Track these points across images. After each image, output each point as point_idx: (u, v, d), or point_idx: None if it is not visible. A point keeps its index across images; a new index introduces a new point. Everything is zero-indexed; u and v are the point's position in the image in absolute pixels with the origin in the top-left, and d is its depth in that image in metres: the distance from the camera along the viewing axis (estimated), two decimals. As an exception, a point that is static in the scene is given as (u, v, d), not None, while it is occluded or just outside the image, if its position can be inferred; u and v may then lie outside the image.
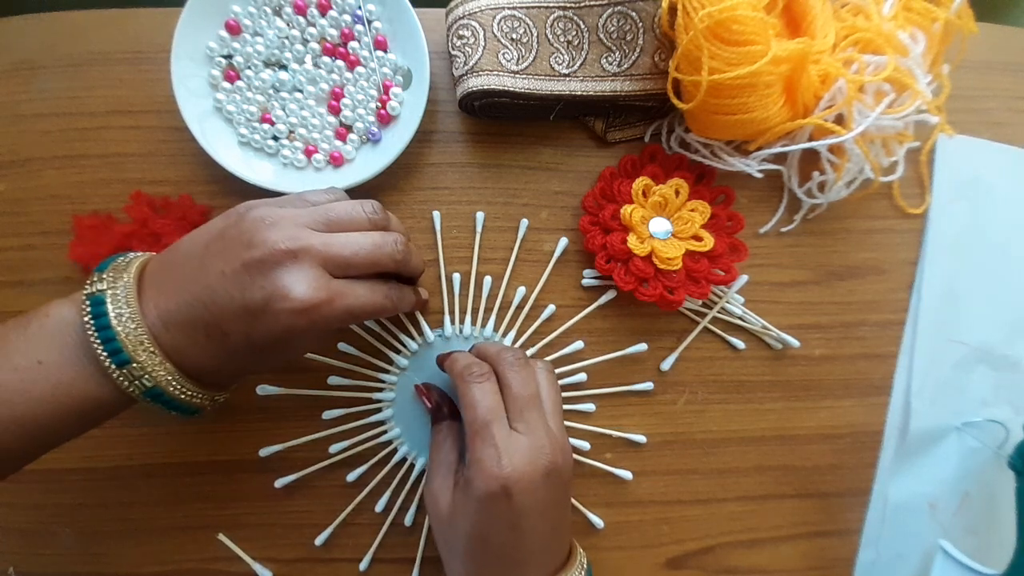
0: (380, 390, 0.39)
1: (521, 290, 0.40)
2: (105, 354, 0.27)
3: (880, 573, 0.41)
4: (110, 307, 0.27)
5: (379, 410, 0.39)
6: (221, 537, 0.39)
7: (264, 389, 0.38)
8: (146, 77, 0.39)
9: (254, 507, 0.39)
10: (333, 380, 0.39)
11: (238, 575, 0.39)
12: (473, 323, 0.40)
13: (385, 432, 0.39)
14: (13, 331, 0.28)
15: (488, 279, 0.39)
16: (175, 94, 0.36)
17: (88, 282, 0.28)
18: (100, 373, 0.27)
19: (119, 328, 0.27)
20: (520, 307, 0.40)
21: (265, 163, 0.38)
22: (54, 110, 0.39)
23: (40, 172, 0.39)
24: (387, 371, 0.39)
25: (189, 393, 0.29)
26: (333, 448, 0.38)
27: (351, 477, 0.38)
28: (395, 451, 0.39)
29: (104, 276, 0.28)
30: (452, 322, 0.39)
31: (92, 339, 0.27)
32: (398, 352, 0.39)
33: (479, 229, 0.39)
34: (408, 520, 0.39)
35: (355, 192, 0.37)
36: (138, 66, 0.39)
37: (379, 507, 0.39)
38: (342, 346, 0.39)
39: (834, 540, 0.42)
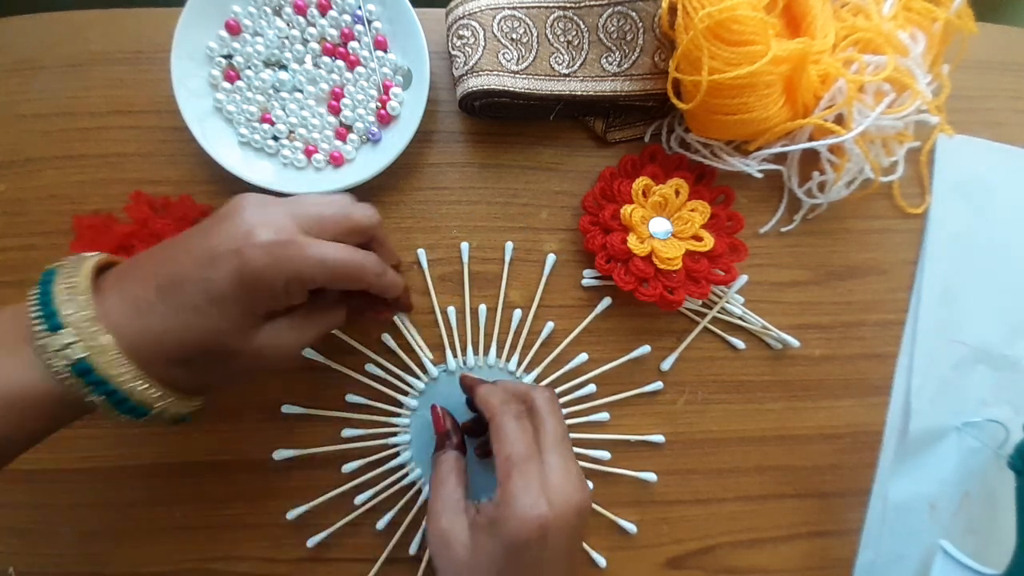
0: (395, 434, 0.39)
1: (518, 313, 0.39)
2: (40, 318, 0.25)
3: (880, 573, 0.41)
4: (59, 277, 0.26)
5: (397, 454, 0.39)
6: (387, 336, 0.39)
7: (280, 454, 0.38)
8: (146, 77, 0.39)
9: (254, 507, 0.39)
10: (347, 432, 0.39)
11: (238, 575, 0.39)
12: (475, 352, 0.39)
13: (407, 475, 0.39)
14: None
15: (483, 308, 0.39)
16: (175, 94, 0.36)
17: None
18: (38, 356, 0.25)
19: (60, 291, 0.25)
20: (519, 330, 0.40)
21: (265, 163, 0.38)
22: (54, 110, 0.39)
23: (40, 172, 0.39)
24: (398, 414, 0.39)
25: (126, 374, 0.25)
26: (359, 499, 0.38)
27: (380, 525, 0.38)
28: (420, 491, 0.39)
29: (68, 257, 0.27)
30: (455, 355, 0.39)
31: (31, 306, 0.25)
32: (406, 394, 0.39)
33: (465, 260, 0.39)
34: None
35: (355, 192, 0.37)
36: (138, 66, 0.39)
37: (412, 549, 0.39)
38: (350, 398, 0.39)
39: (834, 540, 0.42)
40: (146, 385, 0.26)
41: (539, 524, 0.27)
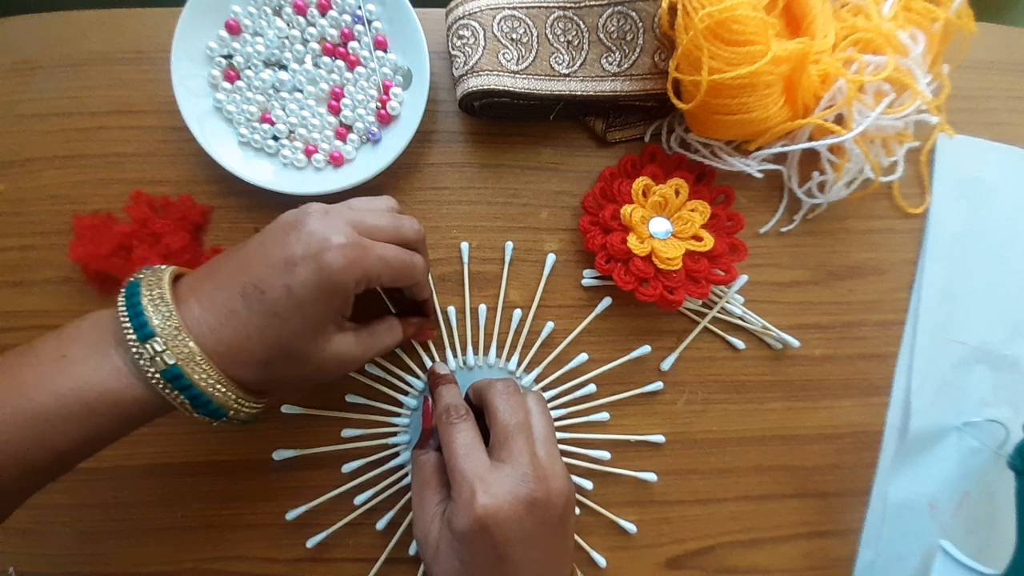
0: (395, 434, 0.39)
1: (518, 312, 0.39)
2: (130, 328, 0.27)
3: (880, 573, 0.41)
4: (143, 289, 0.28)
5: (397, 454, 0.39)
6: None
7: (280, 454, 0.38)
8: (146, 77, 0.39)
9: (254, 507, 0.39)
10: (347, 432, 0.39)
11: (238, 575, 0.39)
12: (475, 352, 0.39)
13: (407, 475, 0.39)
14: (50, 333, 0.28)
15: (483, 308, 0.39)
16: (175, 94, 0.36)
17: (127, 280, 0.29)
18: (123, 361, 0.27)
19: (147, 303, 0.27)
20: (519, 329, 0.40)
21: (265, 163, 0.38)
22: (54, 110, 0.39)
23: (40, 172, 0.39)
24: (398, 415, 0.39)
25: (210, 378, 0.28)
26: (358, 499, 0.38)
27: (380, 525, 0.38)
28: None
29: (144, 270, 0.29)
30: (455, 355, 0.39)
31: (121, 316, 0.27)
32: (406, 394, 0.39)
33: (465, 260, 0.39)
34: None
35: (355, 192, 0.37)
36: (138, 66, 0.39)
37: (412, 550, 0.39)
38: (350, 398, 0.39)
39: (834, 540, 0.42)
40: (225, 388, 0.28)
41: (475, 517, 0.28)
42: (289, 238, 0.28)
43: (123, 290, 0.28)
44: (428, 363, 0.39)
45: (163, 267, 0.30)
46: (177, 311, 0.27)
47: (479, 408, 0.34)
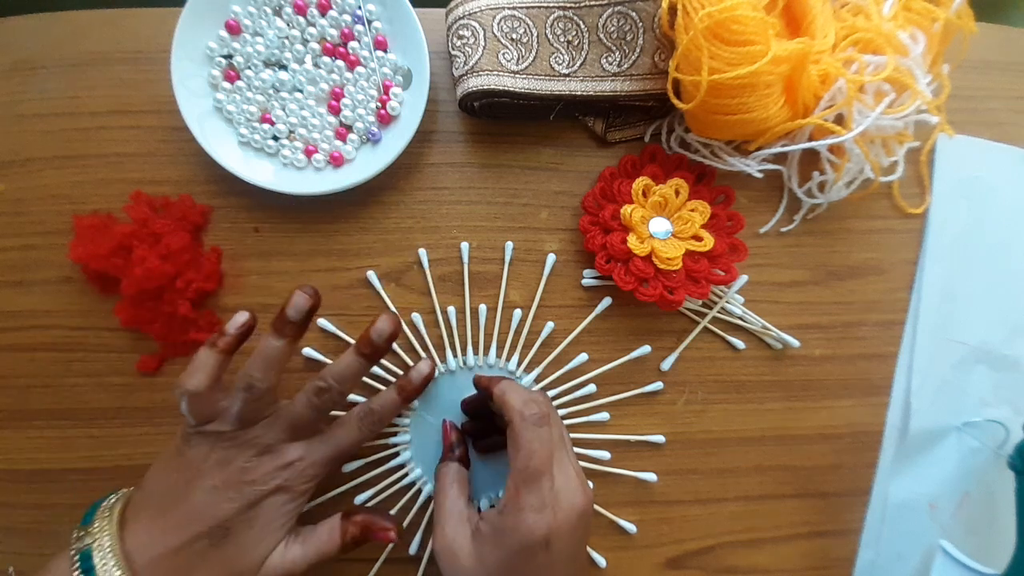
0: (395, 434, 0.39)
1: (518, 313, 0.39)
2: None
3: (880, 573, 0.41)
4: (96, 560, 0.28)
5: (397, 454, 0.39)
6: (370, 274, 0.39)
7: None
8: (146, 77, 0.39)
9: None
10: None
11: (238, 575, 0.39)
12: (475, 352, 0.39)
13: (407, 475, 0.39)
14: None
15: (483, 308, 0.39)
16: (175, 94, 0.36)
17: (76, 535, 0.29)
18: None
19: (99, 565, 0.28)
20: (519, 329, 0.40)
21: (265, 163, 0.38)
22: (54, 110, 0.39)
23: (40, 172, 0.39)
24: (398, 415, 0.39)
25: None
26: (358, 499, 0.38)
27: None
28: (419, 491, 0.39)
29: (90, 529, 0.29)
30: (455, 355, 0.39)
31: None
32: None
33: (466, 260, 0.39)
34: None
35: (355, 192, 0.38)
36: (138, 66, 0.39)
37: (412, 549, 0.38)
38: (351, 398, 0.38)
39: (834, 540, 0.42)
40: None
41: (543, 534, 0.28)
42: (243, 489, 0.30)
43: (76, 559, 0.28)
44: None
45: (106, 514, 0.30)
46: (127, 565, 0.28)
47: (485, 410, 0.34)
